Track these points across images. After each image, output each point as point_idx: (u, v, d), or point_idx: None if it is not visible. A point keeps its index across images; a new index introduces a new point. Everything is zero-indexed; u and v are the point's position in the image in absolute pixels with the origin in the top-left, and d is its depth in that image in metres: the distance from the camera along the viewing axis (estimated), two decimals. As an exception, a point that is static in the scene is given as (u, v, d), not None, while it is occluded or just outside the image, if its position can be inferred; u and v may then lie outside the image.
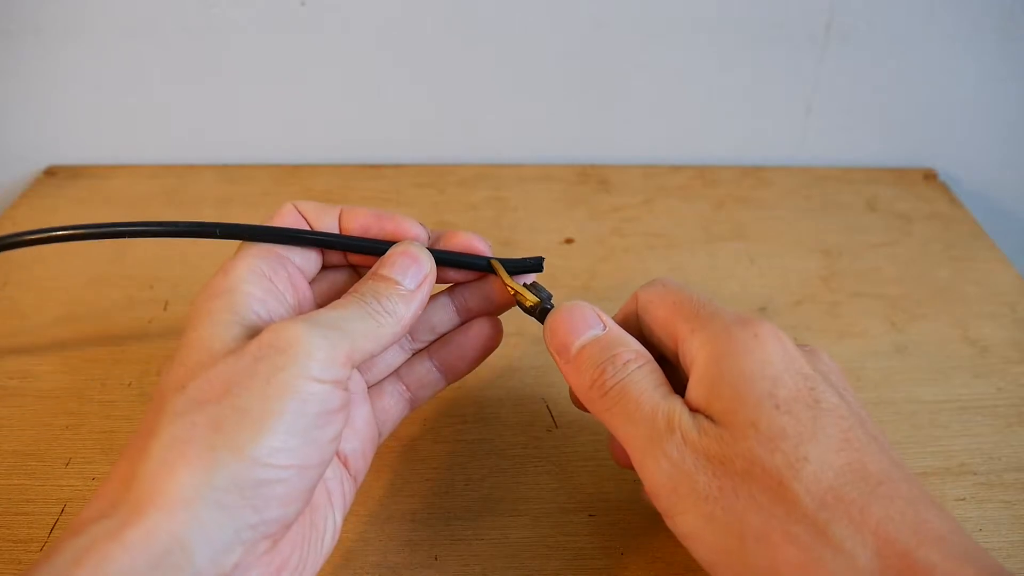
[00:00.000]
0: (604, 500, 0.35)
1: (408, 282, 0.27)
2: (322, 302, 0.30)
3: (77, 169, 0.58)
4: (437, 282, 0.29)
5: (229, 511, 0.21)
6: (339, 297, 0.27)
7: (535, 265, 0.30)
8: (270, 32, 0.53)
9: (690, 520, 0.24)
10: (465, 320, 0.32)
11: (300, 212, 0.29)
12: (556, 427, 0.38)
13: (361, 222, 0.29)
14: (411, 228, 0.29)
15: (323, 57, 0.54)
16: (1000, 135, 0.58)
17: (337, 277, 0.31)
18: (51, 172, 0.58)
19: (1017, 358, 0.43)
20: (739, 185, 0.57)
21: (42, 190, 0.56)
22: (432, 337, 0.32)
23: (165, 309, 0.45)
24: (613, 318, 0.30)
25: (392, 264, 0.27)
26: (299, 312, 0.28)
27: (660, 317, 0.28)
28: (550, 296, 0.30)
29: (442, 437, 0.38)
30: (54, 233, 0.30)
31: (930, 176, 0.58)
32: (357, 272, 0.31)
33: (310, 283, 0.30)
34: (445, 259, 0.29)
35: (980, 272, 0.49)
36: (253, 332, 0.24)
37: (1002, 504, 0.35)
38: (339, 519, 0.28)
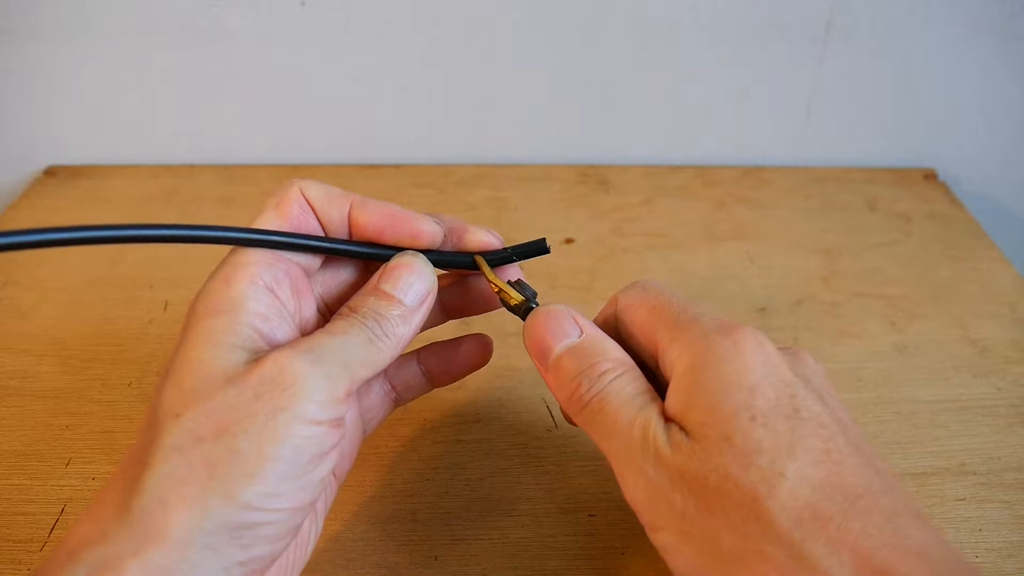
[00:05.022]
0: (604, 500, 0.35)
1: (410, 300, 0.26)
2: (325, 299, 0.29)
3: (77, 169, 0.58)
4: None
5: (218, 551, 0.21)
6: (341, 295, 0.26)
7: (539, 248, 0.29)
8: (270, 32, 0.53)
9: (667, 536, 0.23)
10: (448, 315, 0.32)
11: (307, 197, 0.28)
12: (556, 427, 0.38)
13: (375, 222, 0.28)
14: (426, 229, 0.28)
15: (323, 57, 0.54)
16: (1000, 135, 0.58)
17: (341, 273, 0.30)
18: (51, 172, 0.58)
19: (1017, 358, 0.43)
20: (739, 185, 0.57)
21: (42, 190, 0.56)
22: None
23: (165, 309, 0.45)
24: (593, 320, 0.29)
25: (396, 280, 0.26)
26: (301, 323, 0.27)
27: (639, 322, 0.27)
28: (535, 294, 0.29)
29: (442, 437, 0.38)
30: (48, 237, 0.25)
31: (930, 176, 0.59)
32: (365, 264, 0.30)
33: (314, 274, 0.29)
34: (431, 259, 0.28)
35: (980, 272, 0.49)
36: (253, 355, 0.24)
37: (1002, 504, 0.35)
38: (321, 525, 0.28)
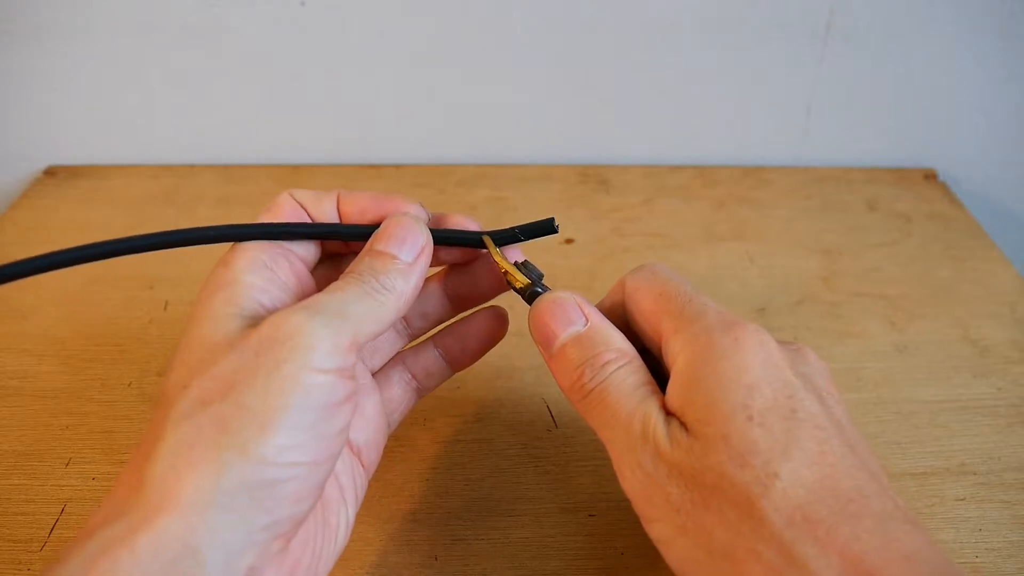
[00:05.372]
0: (604, 500, 0.35)
1: (405, 254, 0.26)
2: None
3: (77, 169, 0.58)
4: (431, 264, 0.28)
5: (240, 513, 0.21)
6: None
7: (547, 227, 0.29)
8: (270, 32, 0.53)
9: (662, 528, 0.24)
10: (456, 306, 0.32)
11: (297, 201, 0.28)
12: (556, 427, 0.38)
13: (360, 205, 0.28)
14: (410, 207, 0.28)
15: (323, 57, 0.54)
16: (1000, 135, 0.58)
17: (339, 266, 0.30)
18: (51, 172, 0.58)
19: (1017, 358, 0.43)
20: (739, 185, 0.57)
21: (42, 190, 0.56)
22: (424, 323, 0.32)
23: (165, 309, 0.45)
24: (600, 303, 0.29)
25: (388, 237, 0.26)
26: (302, 298, 0.27)
27: (646, 308, 0.27)
28: (541, 276, 0.29)
29: (442, 437, 0.38)
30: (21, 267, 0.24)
31: (930, 176, 0.59)
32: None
33: (313, 272, 0.29)
34: (439, 237, 0.29)
35: (980, 272, 0.49)
36: (254, 322, 0.24)
37: (1002, 504, 0.35)
38: (352, 513, 0.27)
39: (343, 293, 0.25)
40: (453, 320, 0.32)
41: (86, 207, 0.54)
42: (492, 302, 0.32)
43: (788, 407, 0.23)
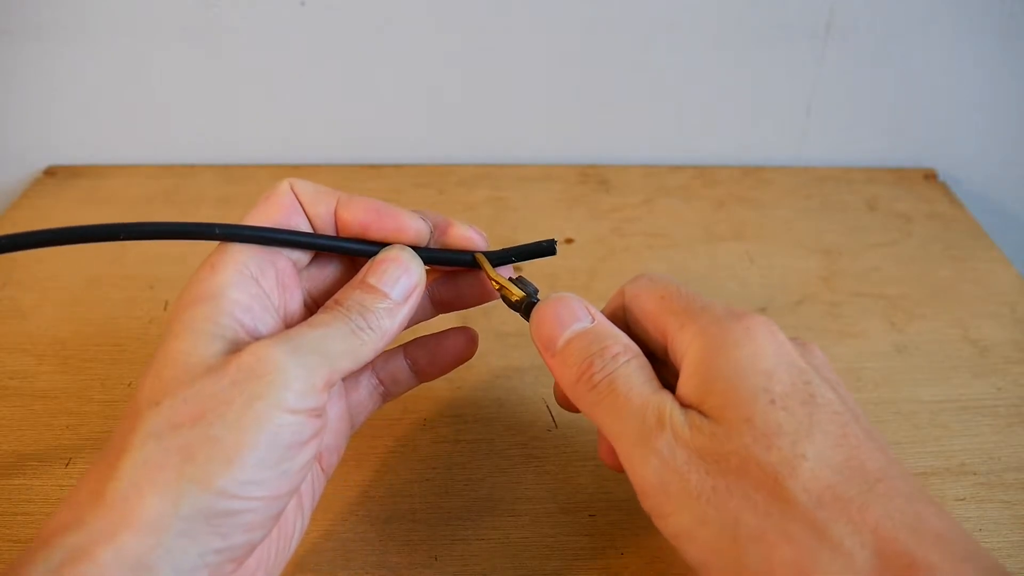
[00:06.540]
0: (604, 500, 0.35)
1: (396, 293, 0.26)
2: (312, 294, 0.29)
3: (77, 169, 0.58)
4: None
5: (195, 538, 0.21)
6: (329, 291, 0.26)
7: (544, 249, 0.29)
8: (270, 32, 0.53)
9: (681, 520, 0.23)
10: (440, 309, 0.32)
11: (296, 193, 0.28)
12: (556, 427, 0.38)
13: (359, 217, 0.28)
14: (411, 225, 0.28)
15: (323, 57, 0.54)
16: (1000, 135, 0.58)
17: (329, 268, 0.30)
18: (51, 172, 0.58)
19: (1017, 358, 0.43)
20: (739, 185, 0.57)
21: (42, 190, 0.56)
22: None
23: (165, 309, 0.45)
24: (600, 311, 0.29)
25: (381, 273, 0.26)
26: (286, 316, 0.27)
27: (648, 311, 0.27)
28: (537, 290, 0.29)
29: (442, 437, 0.38)
30: (34, 237, 0.26)
31: (930, 176, 0.59)
32: (352, 260, 0.30)
33: (302, 269, 0.29)
34: (429, 258, 0.28)
35: (980, 272, 0.49)
36: (234, 346, 0.24)
37: (1002, 504, 0.35)
38: (307, 519, 0.28)
39: (327, 329, 0.25)
40: (425, 334, 0.32)
41: (86, 207, 0.54)
42: (480, 308, 0.32)
43: (806, 392, 0.23)
